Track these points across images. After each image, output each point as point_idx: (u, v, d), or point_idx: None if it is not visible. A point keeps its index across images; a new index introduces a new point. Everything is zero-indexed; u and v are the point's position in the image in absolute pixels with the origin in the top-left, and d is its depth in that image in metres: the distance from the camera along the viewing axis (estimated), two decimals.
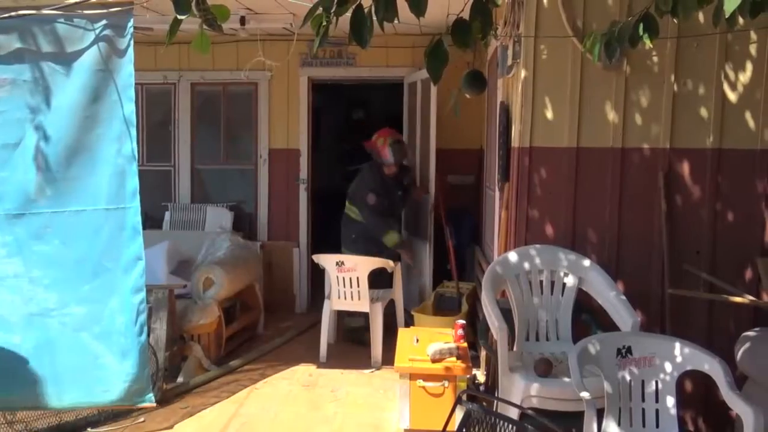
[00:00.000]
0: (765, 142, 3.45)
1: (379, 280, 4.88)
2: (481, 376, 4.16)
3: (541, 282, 3.45)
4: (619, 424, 2.57)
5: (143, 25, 4.67)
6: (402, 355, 3.65)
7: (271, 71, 5.84)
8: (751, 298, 3.18)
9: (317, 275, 5.68)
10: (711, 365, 2.56)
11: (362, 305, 4.76)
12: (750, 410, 2.33)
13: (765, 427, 2.30)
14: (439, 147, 5.38)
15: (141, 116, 5.87)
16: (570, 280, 3.42)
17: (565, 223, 3.58)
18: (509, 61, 3.76)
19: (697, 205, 3.51)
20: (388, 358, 4.26)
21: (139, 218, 3.30)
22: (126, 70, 3.27)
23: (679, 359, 2.66)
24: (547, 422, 2.09)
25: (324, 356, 4.79)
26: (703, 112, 3.48)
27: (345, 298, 4.79)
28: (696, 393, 3.44)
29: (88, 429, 3.60)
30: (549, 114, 3.54)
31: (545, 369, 3.04)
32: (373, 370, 4.65)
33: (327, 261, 4.88)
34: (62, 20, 3.25)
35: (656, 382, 2.67)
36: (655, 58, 3.48)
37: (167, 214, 6.05)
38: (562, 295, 3.44)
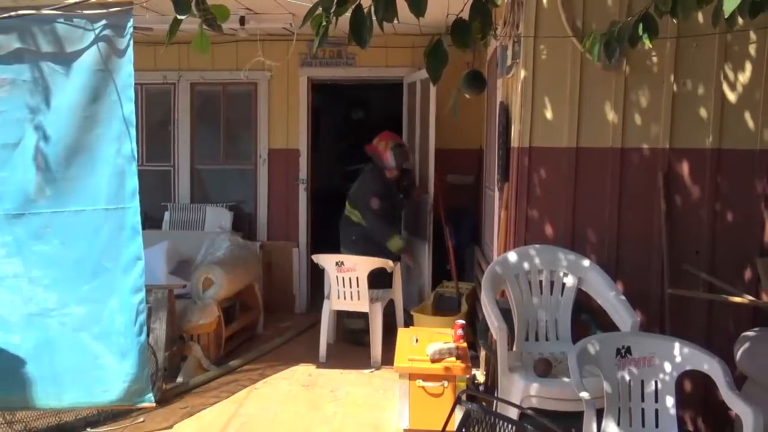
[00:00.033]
0: (764, 142, 3.45)
1: (378, 280, 4.88)
2: (480, 376, 4.16)
3: (541, 282, 3.45)
4: (618, 424, 2.57)
5: (143, 25, 4.67)
6: (401, 355, 3.65)
7: (270, 71, 5.83)
8: (751, 298, 3.18)
9: (317, 275, 5.67)
10: (710, 365, 2.56)
11: (362, 305, 4.76)
12: (749, 410, 2.33)
13: (765, 427, 2.30)
14: (439, 147, 5.38)
15: (140, 116, 5.86)
16: (569, 280, 3.42)
17: (564, 223, 3.58)
18: (509, 61, 3.76)
19: (696, 205, 3.51)
20: (388, 358, 4.26)
21: (138, 218, 3.31)
22: (125, 70, 3.28)
23: (678, 359, 2.66)
24: (547, 422, 2.09)
25: (323, 356, 4.79)
26: (703, 112, 3.48)
27: (344, 298, 4.78)
28: (695, 393, 3.44)
29: (88, 429, 3.60)
30: (548, 114, 3.54)
31: (545, 369, 3.04)
32: (373, 370, 4.65)
33: (326, 261, 4.88)
34: (62, 20, 3.25)
35: (656, 382, 2.67)
36: (655, 59, 3.48)
37: (167, 214, 6.05)
38: (562, 295, 3.44)
